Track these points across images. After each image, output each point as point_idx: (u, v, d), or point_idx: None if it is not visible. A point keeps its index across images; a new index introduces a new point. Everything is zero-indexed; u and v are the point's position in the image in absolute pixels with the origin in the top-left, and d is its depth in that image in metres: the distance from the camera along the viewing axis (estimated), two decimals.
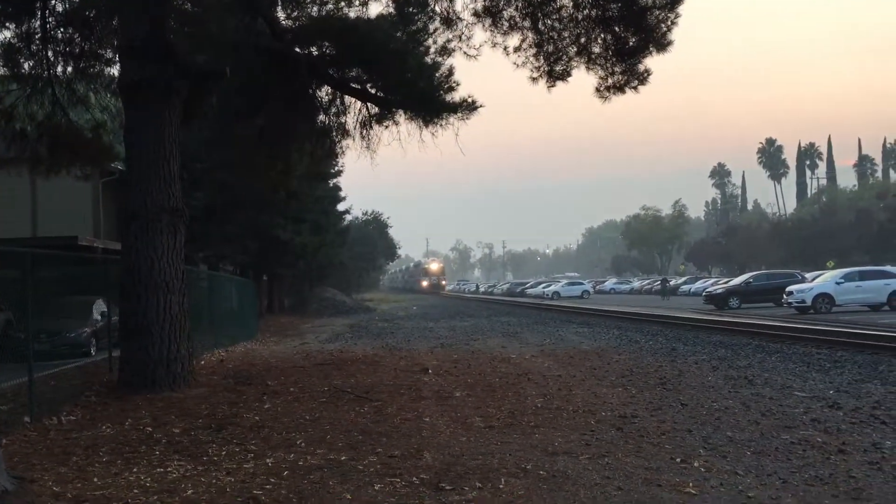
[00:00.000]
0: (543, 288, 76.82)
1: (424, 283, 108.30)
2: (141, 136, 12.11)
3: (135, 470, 7.05)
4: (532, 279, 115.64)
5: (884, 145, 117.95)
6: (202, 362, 16.02)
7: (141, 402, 10.67)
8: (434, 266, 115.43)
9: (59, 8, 14.67)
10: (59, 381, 12.46)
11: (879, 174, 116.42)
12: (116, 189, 23.91)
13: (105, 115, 17.19)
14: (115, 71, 15.14)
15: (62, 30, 14.97)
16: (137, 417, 9.68)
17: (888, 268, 34.98)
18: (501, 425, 8.97)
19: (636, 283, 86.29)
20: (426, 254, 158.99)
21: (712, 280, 63.98)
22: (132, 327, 11.86)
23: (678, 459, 7.12)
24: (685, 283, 70.27)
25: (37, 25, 14.60)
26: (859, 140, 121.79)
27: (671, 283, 66.04)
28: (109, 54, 15.06)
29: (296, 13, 14.53)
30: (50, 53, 15.01)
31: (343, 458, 7.39)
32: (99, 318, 17.70)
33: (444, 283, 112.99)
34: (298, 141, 16.75)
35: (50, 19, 14.59)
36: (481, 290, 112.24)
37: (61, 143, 15.36)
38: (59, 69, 15.52)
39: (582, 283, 77.70)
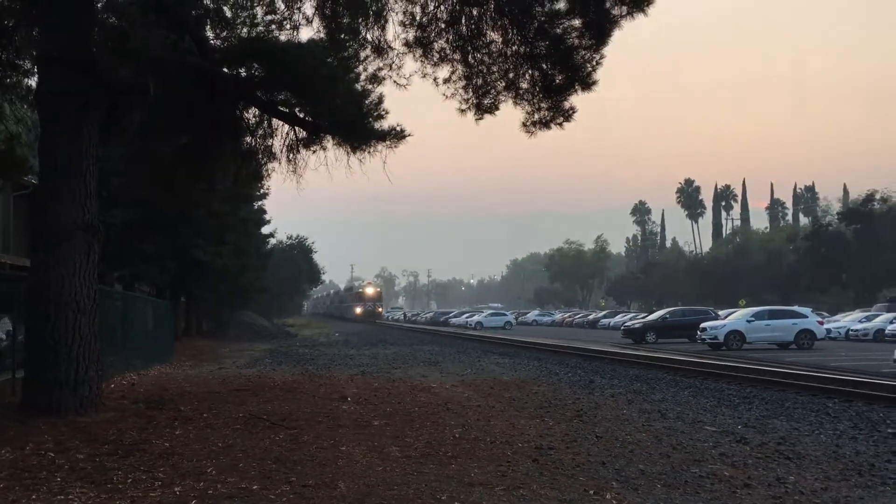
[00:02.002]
0: (467, 318, 77.12)
1: (358, 310, 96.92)
2: (57, 149, 11.70)
3: (33, 497, 6.73)
4: (456, 309, 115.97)
5: (794, 190, 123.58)
6: (112, 385, 15.47)
7: (44, 425, 10.19)
8: (370, 290, 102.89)
9: None
10: None
11: (790, 217, 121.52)
12: (29, 203, 23.04)
13: (20, 127, 16.63)
14: (32, 82, 14.69)
15: None
16: (39, 442, 9.25)
17: (796, 308, 36.39)
18: (418, 455, 8.92)
19: (558, 315, 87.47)
20: (351, 279, 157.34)
21: (630, 314, 65.45)
22: (38, 347, 11.36)
23: (591, 492, 7.21)
24: (605, 317, 71.56)
25: None
26: (772, 184, 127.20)
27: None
28: (27, 65, 14.63)
29: (225, 33, 14.39)
30: None
31: (255, 486, 7.22)
32: (3, 337, 16.91)
33: (380, 310, 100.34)
34: (223, 161, 16.48)
35: None
36: (407, 317, 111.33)
37: None
38: None
39: (505, 314, 78.16)
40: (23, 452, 8.68)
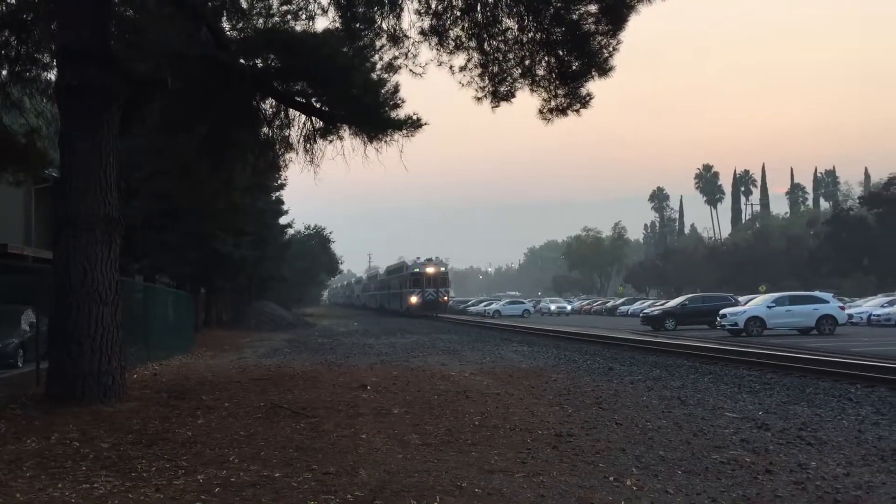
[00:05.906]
0: (485, 306, 77.21)
1: (413, 299, 67.81)
2: (77, 142, 11.81)
3: (59, 486, 6.83)
4: (474, 297, 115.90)
5: (814, 175, 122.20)
6: (135, 376, 15.63)
7: (69, 415, 10.33)
8: (431, 269, 69.07)
9: None
10: None
11: (810, 202, 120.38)
12: (50, 196, 23.23)
13: (40, 121, 16.76)
14: (52, 75, 14.81)
15: None
16: (64, 432, 9.38)
17: (817, 293, 36.10)
18: (438, 443, 8.95)
19: (576, 303, 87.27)
20: (369, 268, 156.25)
21: (649, 302, 65.25)
22: (62, 338, 11.51)
23: (611, 478, 7.21)
24: (623, 304, 71.35)
25: None
26: (791, 169, 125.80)
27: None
28: (47, 58, 14.75)
29: (241, 24, 14.44)
30: None
31: (277, 474, 7.28)
32: (27, 328, 17.15)
33: (445, 298, 70.98)
34: (241, 152, 16.59)
35: None
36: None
37: None
38: None
39: (523, 303, 78.26)
40: (48, 442, 8.81)
